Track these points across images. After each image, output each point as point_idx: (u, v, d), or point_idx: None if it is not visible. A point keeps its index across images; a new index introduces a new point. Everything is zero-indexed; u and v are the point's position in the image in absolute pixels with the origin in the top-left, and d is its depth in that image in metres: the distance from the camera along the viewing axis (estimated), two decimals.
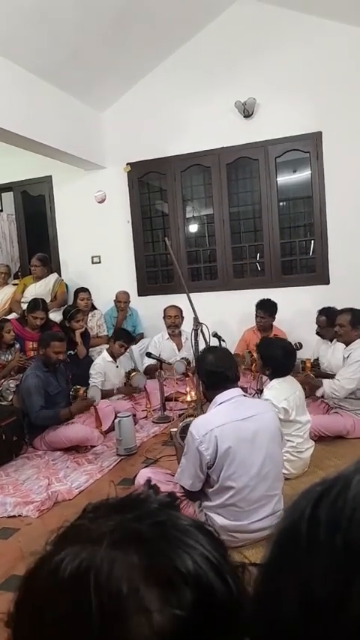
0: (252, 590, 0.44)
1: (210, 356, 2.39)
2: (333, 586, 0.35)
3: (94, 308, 5.60)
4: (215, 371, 2.31)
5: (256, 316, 4.92)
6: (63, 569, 0.42)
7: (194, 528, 0.46)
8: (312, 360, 4.36)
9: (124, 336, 4.62)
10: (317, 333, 4.43)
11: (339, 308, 4.13)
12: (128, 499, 0.50)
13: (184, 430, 2.58)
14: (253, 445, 2.17)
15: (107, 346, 4.72)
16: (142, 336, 5.68)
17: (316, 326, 4.43)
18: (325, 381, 3.62)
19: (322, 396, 3.68)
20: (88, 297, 5.40)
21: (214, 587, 0.42)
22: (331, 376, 4.08)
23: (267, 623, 0.39)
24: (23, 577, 0.46)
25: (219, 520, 2.19)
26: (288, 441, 2.83)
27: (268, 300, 4.91)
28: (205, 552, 0.44)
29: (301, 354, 4.55)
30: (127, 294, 5.64)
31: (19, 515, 2.81)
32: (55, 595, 0.42)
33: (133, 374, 4.57)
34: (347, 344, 3.72)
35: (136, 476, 2.75)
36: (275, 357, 3.01)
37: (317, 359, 4.43)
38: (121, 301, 5.58)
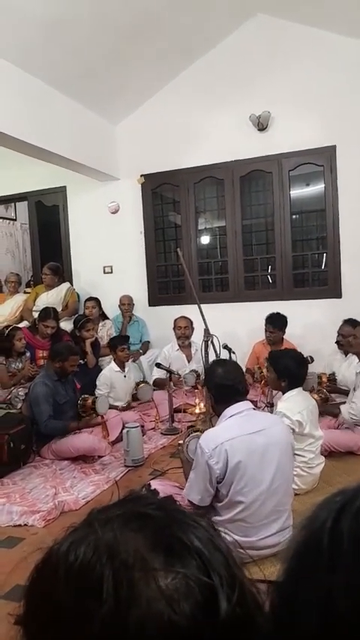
0: (268, 603, 0.44)
1: (219, 369, 2.36)
2: (358, 601, 0.34)
3: (105, 317, 5.62)
4: (225, 384, 2.28)
5: (266, 330, 4.88)
6: (73, 551, 0.44)
7: (197, 516, 0.48)
8: (328, 375, 4.30)
9: (119, 340, 4.63)
10: (337, 343, 4.34)
11: None
12: (130, 496, 0.51)
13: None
14: (264, 459, 2.14)
15: None
16: (147, 345, 5.68)
17: (336, 337, 4.32)
18: (343, 408, 3.54)
19: (343, 423, 3.58)
20: (93, 306, 5.45)
21: (216, 565, 0.43)
22: (347, 392, 4.04)
23: (285, 636, 0.38)
24: (34, 567, 0.46)
25: (227, 536, 2.14)
26: (300, 455, 2.79)
27: (278, 314, 4.85)
28: (208, 535, 0.45)
29: (315, 368, 4.52)
30: (130, 297, 5.70)
31: (25, 525, 2.79)
32: (66, 576, 0.43)
33: (140, 385, 4.56)
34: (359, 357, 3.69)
35: (143, 487, 2.73)
36: (288, 367, 2.97)
37: (333, 373, 4.36)
38: (125, 304, 5.63)
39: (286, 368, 2.97)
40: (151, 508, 0.47)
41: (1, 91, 4.14)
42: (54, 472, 3.51)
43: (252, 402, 2.48)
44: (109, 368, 4.56)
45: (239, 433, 2.15)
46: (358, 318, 4.03)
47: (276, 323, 4.82)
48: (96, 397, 3.88)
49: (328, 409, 3.72)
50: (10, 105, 4.21)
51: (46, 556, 0.46)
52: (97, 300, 5.54)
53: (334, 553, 0.36)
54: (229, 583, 0.42)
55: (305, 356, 4.52)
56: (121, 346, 4.53)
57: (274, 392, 3.45)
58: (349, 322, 4.22)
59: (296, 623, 0.37)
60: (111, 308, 5.76)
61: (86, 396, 3.89)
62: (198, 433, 2.55)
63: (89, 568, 0.41)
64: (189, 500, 2.23)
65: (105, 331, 5.46)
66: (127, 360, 4.65)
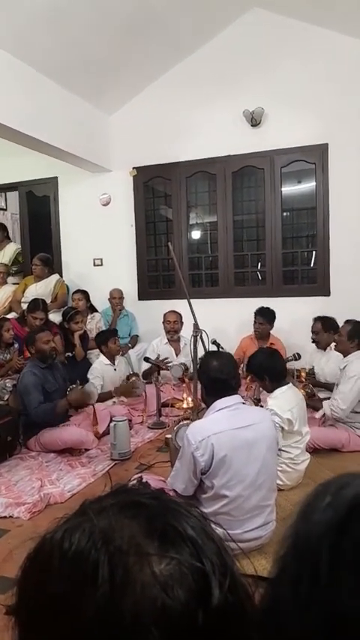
0: (261, 602, 0.45)
1: (214, 362, 2.32)
2: None
3: (94, 310, 5.60)
4: (219, 378, 2.26)
5: (255, 322, 4.93)
6: (68, 538, 0.43)
7: (189, 506, 0.48)
8: (307, 370, 4.35)
9: (110, 333, 4.64)
10: (313, 341, 4.42)
11: (338, 320, 4.14)
12: (123, 487, 0.52)
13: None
14: (250, 454, 2.15)
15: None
16: (136, 339, 5.67)
17: (312, 334, 4.40)
18: (325, 403, 3.58)
19: (324, 416, 3.62)
20: (80, 298, 5.42)
21: (209, 553, 0.43)
22: (326, 385, 4.10)
23: (280, 635, 0.39)
24: (26, 557, 0.46)
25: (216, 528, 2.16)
26: (286, 452, 2.81)
27: (268, 307, 4.94)
28: (200, 524, 0.45)
29: (299, 364, 4.56)
30: (120, 291, 5.67)
31: (10, 517, 2.78)
32: (61, 563, 0.43)
33: (132, 379, 4.55)
34: (345, 354, 3.72)
35: (135, 480, 2.73)
36: (262, 362, 2.97)
37: (312, 368, 4.42)
38: (116, 297, 5.61)
39: (260, 365, 2.98)
40: (145, 497, 0.47)
41: None
42: (40, 464, 3.50)
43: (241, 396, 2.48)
44: (99, 361, 4.56)
45: (227, 427, 2.15)
46: (345, 316, 4.05)
47: (266, 315, 4.89)
48: (83, 386, 3.86)
49: (311, 403, 3.74)
50: (3, 93, 4.16)
51: (39, 545, 0.46)
52: (84, 293, 5.51)
53: (334, 580, 0.37)
54: (222, 571, 0.42)
55: (292, 353, 4.61)
56: (113, 338, 4.53)
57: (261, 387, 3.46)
58: (318, 319, 4.35)
59: (297, 621, 0.38)
60: (100, 301, 5.74)
61: (74, 385, 3.88)
62: (188, 422, 2.55)
63: (84, 554, 0.41)
64: (173, 490, 2.24)
65: (94, 324, 5.44)
66: (119, 353, 4.64)
